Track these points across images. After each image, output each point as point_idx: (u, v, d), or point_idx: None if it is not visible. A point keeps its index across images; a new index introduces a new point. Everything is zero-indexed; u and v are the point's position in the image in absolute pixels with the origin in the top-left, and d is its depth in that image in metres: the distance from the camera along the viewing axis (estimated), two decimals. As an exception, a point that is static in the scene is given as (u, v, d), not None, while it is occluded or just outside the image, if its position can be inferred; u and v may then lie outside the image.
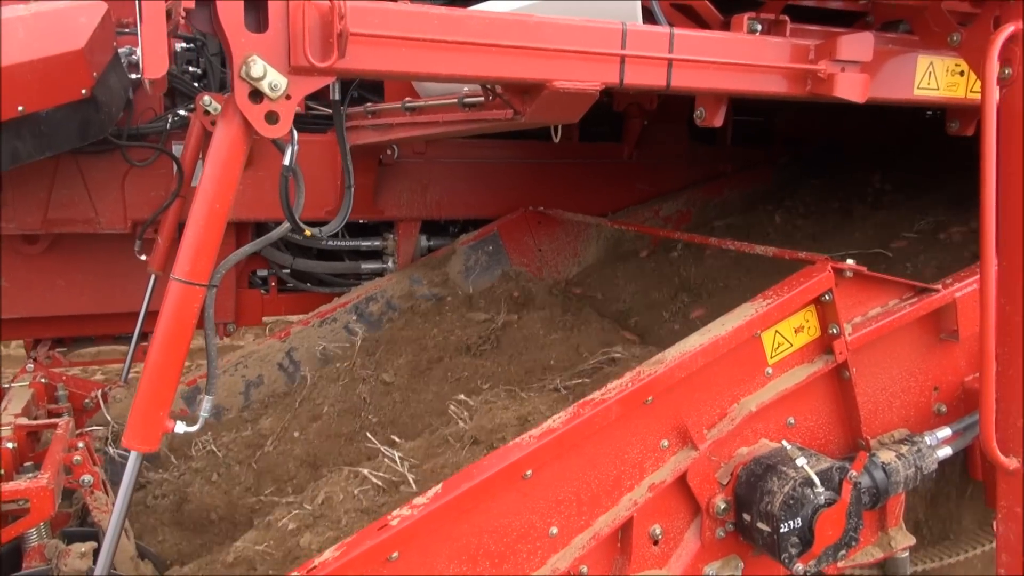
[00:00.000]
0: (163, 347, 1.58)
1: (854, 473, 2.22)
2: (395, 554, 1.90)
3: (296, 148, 1.66)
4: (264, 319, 4.45)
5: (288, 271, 4.27)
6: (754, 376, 2.38)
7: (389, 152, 4.04)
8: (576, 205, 4.47)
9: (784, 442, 2.28)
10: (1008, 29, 2.03)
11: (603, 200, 4.67)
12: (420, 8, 1.63)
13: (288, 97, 1.56)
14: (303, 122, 3.95)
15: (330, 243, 4.29)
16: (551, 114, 1.96)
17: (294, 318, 4.11)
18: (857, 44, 2.06)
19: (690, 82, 1.98)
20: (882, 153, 4.75)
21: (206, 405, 1.67)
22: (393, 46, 1.61)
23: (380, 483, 2.38)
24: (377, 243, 4.35)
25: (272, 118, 1.56)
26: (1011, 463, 2.10)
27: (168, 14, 1.46)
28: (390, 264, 4.35)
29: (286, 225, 1.72)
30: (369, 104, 3.27)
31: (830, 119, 5.16)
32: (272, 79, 1.53)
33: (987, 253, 2.05)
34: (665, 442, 2.28)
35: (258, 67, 1.51)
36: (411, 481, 2.41)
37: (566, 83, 1.82)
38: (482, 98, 2.13)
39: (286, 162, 1.64)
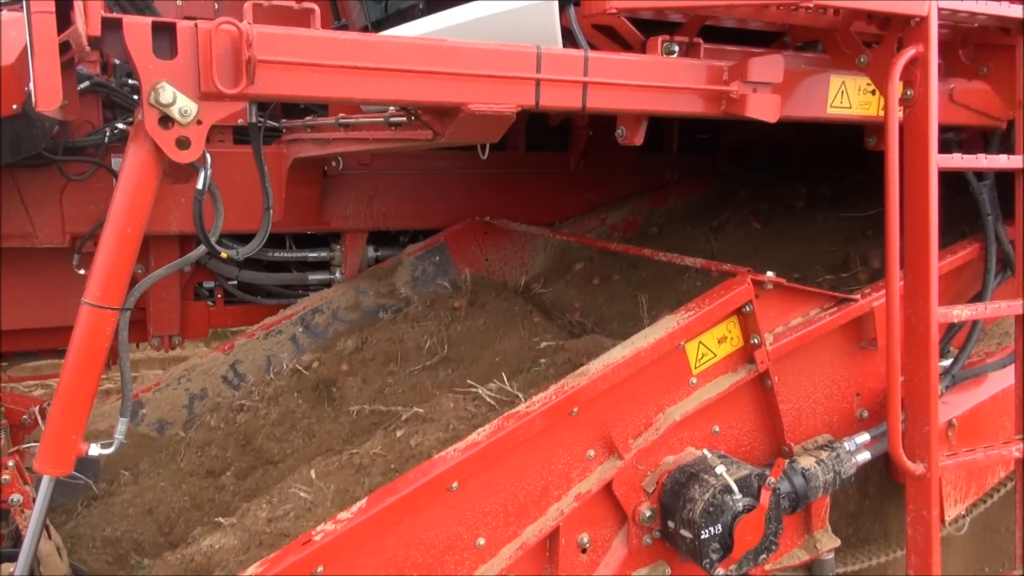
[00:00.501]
0: (75, 370, 1.59)
1: (772, 480, 2.30)
2: (320, 568, 1.92)
3: (210, 172, 1.68)
4: (211, 331, 4.43)
5: (234, 283, 4.26)
6: (679, 386, 2.45)
7: (334, 164, 4.05)
8: (524, 215, 4.52)
9: (705, 451, 2.35)
10: (909, 52, 2.12)
11: (551, 209, 4.72)
12: (331, 35, 1.66)
13: (199, 122, 1.59)
14: (247, 135, 3.95)
15: (276, 255, 4.29)
16: (470, 134, 2.00)
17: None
18: (767, 66, 2.14)
19: (606, 103, 2.03)
20: (826, 160, 4.87)
21: (120, 427, 1.69)
22: (304, 72, 1.64)
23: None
24: (324, 254, 4.35)
25: (183, 143, 1.58)
26: (917, 468, 2.19)
27: (65, 45, 1.48)
28: (337, 275, 4.36)
29: (201, 249, 1.73)
30: (309, 119, 3.28)
31: (774, 128, 5.27)
32: (182, 105, 1.55)
33: (891, 266, 2.14)
34: (591, 452, 2.33)
35: (167, 93, 1.53)
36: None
37: (482, 106, 1.86)
38: (405, 118, 2.17)
39: (199, 186, 1.66)
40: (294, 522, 2.44)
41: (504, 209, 4.50)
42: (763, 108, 2.15)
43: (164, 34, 1.55)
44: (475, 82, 1.84)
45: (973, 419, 2.77)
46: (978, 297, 2.87)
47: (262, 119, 3.96)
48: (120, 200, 1.58)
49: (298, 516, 2.46)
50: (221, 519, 2.62)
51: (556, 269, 4.48)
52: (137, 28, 1.52)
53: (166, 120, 1.56)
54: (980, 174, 2.85)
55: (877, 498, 3.15)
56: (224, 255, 1.75)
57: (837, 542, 2.72)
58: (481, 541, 2.18)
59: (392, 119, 2.25)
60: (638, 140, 2.27)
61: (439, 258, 4.33)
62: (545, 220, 4.64)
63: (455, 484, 2.10)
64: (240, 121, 3.88)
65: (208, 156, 1.66)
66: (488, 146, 2.46)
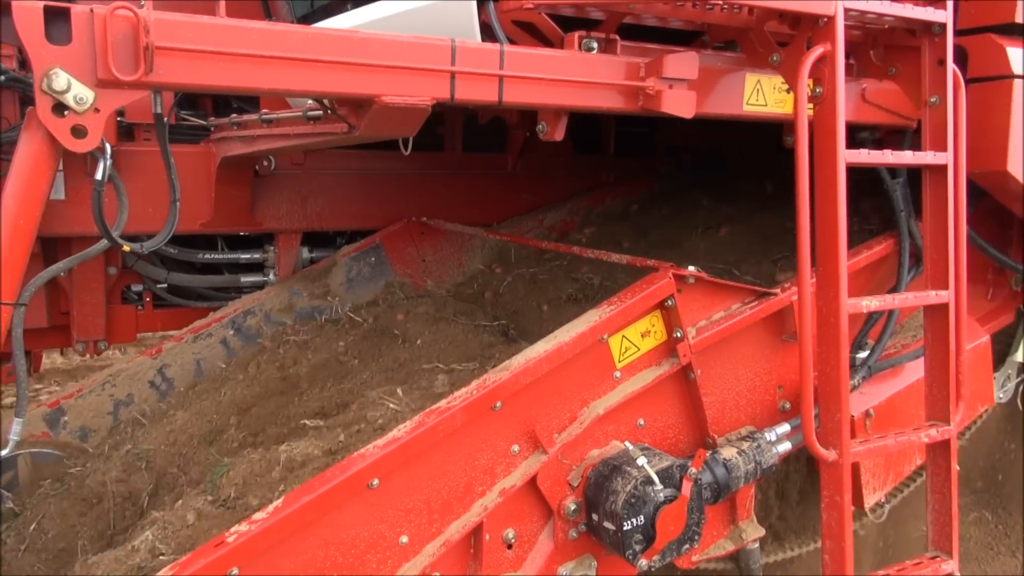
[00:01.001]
0: (-36, 368, 1.53)
1: (694, 470, 2.33)
2: (234, 570, 1.88)
3: (109, 162, 1.64)
4: (139, 336, 4.31)
5: (164, 286, 4.16)
6: (603, 380, 2.47)
7: (265, 163, 3.99)
8: (462, 215, 4.52)
9: (627, 443, 2.37)
10: (817, 51, 2.18)
11: (488, 210, 4.73)
12: (234, 22, 1.64)
13: (97, 110, 1.54)
14: (173, 133, 3.87)
15: (207, 256, 4.20)
16: (385, 128, 1.99)
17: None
18: (682, 62, 2.18)
19: (523, 98, 2.04)
20: (762, 159, 4.97)
21: (16, 428, 1.62)
22: (207, 60, 1.61)
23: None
24: (257, 255, 4.28)
25: (79, 132, 1.54)
26: (830, 455, 2.24)
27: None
28: (271, 277, 4.29)
29: (103, 242, 1.68)
30: (234, 116, 3.22)
31: (710, 128, 5.37)
32: (77, 92, 1.51)
33: (803, 260, 2.20)
34: (515, 447, 2.33)
35: (61, 80, 1.49)
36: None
37: (395, 98, 1.86)
38: (321, 112, 2.15)
39: (98, 176, 1.61)
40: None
41: (441, 210, 4.50)
42: (679, 104, 2.18)
43: (59, 19, 1.51)
44: (388, 74, 1.84)
45: (889, 408, 2.86)
46: (893, 291, 2.97)
47: (191, 115, 3.94)
48: (12, 190, 1.53)
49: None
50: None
51: (493, 270, 4.49)
52: (28, 12, 1.48)
53: (60, 108, 1.51)
54: (894, 172, 2.94)
55: (802, 489, 3.23)
56: (127, 248, 1.70)
57: (762, 532, 2.77)
58: (404, 539, 2.16)
59: (309, 113, 2.22)
60: (558, 135, 2.28)
61: (375, 259, 4.30)
62: (483, 221, 4.64)
63: (375, 481, 2.08)
64: (166, 119, 3.82)
65: (108, 146, 1.62)
66: (411, 142, 2.45)
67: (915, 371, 2.94)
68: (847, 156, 2.20)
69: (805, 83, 2.17)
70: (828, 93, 2.19)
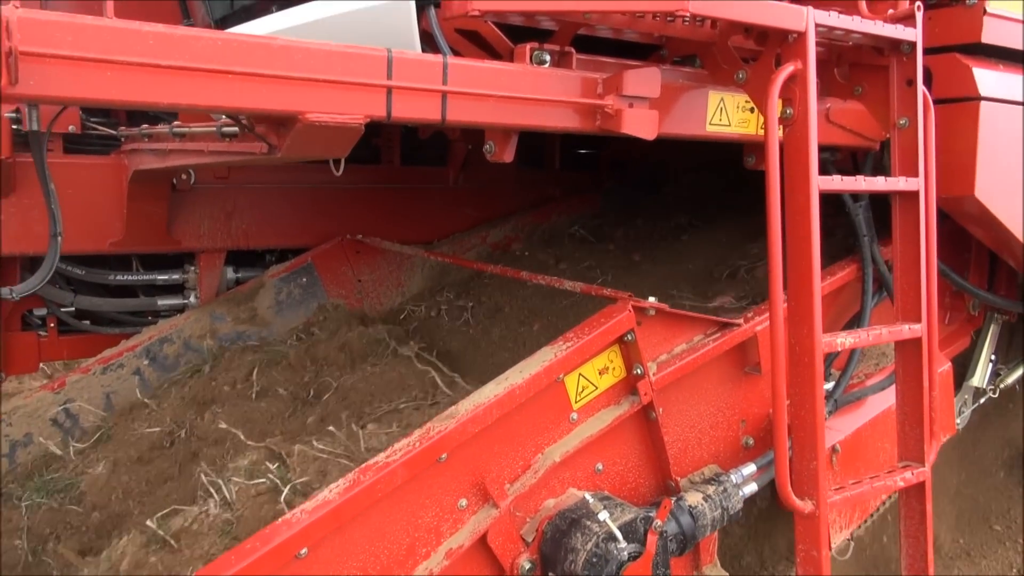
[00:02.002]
0: None
1: (659, 523, 2.13)
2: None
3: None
4: (42, 365, 3.91)
5: (70, 310, 3.77)
6: (558, 423, 2.25)
7: (184, 177, 3.65)
8: (401, 232, 4.26)
9: (587, 494, 2.16)
10: (788, 69, 2.02)
11: (429, 226, 4.48)
12: (127, 25, 1.36)
13: (-51, 129, 1.24)
14: (80, 143, 3.51)
15: (120, 278, 3.83)
16: (311, 149, 1.74)
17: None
18: (643, 79, 1.98)
19: (468, 116, 1.82)
20: (710, 175, 4.86)
21: None
22: (92, 69, 1.33)
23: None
24: (176, 276, 3.93)
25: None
26: (806, 506, 2.08)
27: None
28: (192, 299, 3.95)
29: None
30: (145, 126, 2.90)
31: (658, 146, 5.23)
32: (-78, 107, 1.21)
33: (775, 290, 2.02)
34: (463, 502, 2.10)
35: (-99, 92, 1.19)
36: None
37: (322, 116, 1.60)
38: (237, 129, 1.88)
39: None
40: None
41: (379, 227, 4.22)
42: (640, 124, 1.99)
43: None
44: (314, 88, 1.58)
45: (855, 443, 2.73)
46: (856, 318, 2.84)
47: (96, 126, 3.58)
48: None
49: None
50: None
51: (434, 291, 4.24)
52: None
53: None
54: (856, 195, 2.82)
55: (765, 526, 3.08)
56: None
57: (726, 575, 2.59)
58: (337, 613, 1.90)
59: (224, 130, 1.94)
60: (507, 157, 2.06)
61: (306, 280, 4.00)
62: (423, 238, 4.39)
63: (304, 551, 1.81)
64: (71, 128, 3.46)
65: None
66: (343, 162, 2.19)
67: (878, 403, 2.82)
68: (820, 183, 2.04)
69: (776, 104, 2.00)
70: (799, 115, 2.02)
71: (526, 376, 2.09)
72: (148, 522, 2.36)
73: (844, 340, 2.12)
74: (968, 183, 2.57)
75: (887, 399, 2.80)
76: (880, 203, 2.91)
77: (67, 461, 3.09)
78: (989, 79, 2.58)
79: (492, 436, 2.10)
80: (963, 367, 3.50)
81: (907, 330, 2.27)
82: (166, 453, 2.95)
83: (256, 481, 2.37)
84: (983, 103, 2.54)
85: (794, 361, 2.07)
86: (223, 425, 2.83)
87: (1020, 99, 2.66)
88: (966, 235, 3.05)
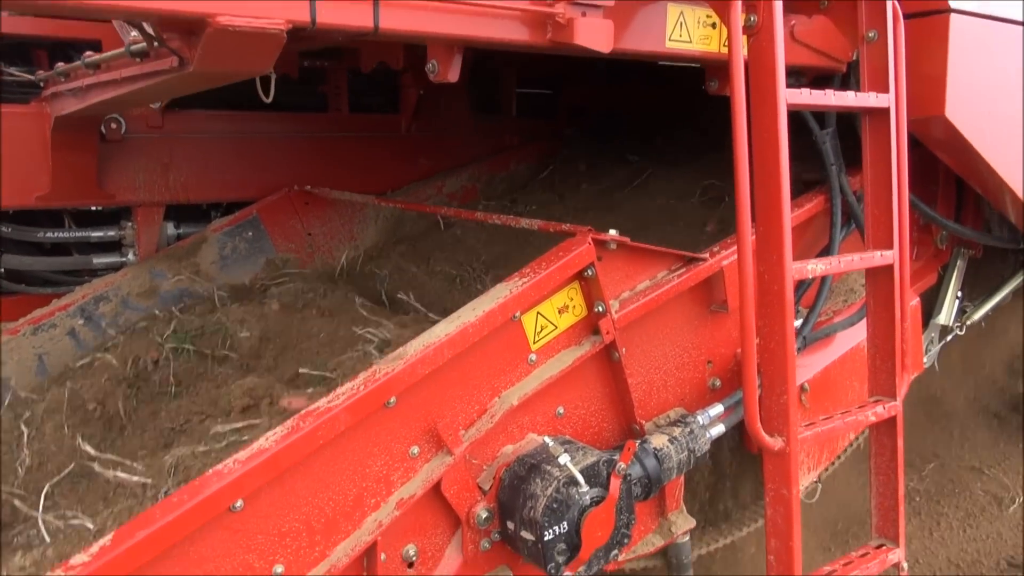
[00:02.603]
0: None
1: (622, 465, 2.02)
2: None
3: None
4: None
5: (-1, 271, 3.53)
6: (516, 364, 2.11)
7: (114, 126, 3.41)
8: (352, 183, 4.05)
9: (546, 438, 2.03)
10: (752, -29, 1.87)
11: (382, 177, 4.28)
12: None
13: None
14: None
15: (51, 235, 3.60)
16: (226, 62, 1.54)
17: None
18: (598, -16, 1.82)
19: (405, 24, 1.64)
20: (666, 121, 4.72)
21: None
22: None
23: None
24: (112, 233, 3.70)
25: None
26: (776, 443, 1.97)
27: None
28: (131, 257, 3.73)
29: None
30: (60, 65, 2.66)
31: (616, 89, 5.10)
32: None
33: (743, 219, 1.90)
34: (415, 449, 1.96)
35: None
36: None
37: (235, 20, 1.42)
38: (145, 45, 1.67)
39: None
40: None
41: (329, 178, 4.01)
42: (595, 35, 1.83)
43: None
44: (223, -16, 1.39)
45: (824, 382, 2.64)
46: (825, 251, 2.74)
47: (13, 73, 3.32)
48: None
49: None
50: None
51: (390, 243, 4.06)
52: None
53: None
54: (822, 122, 2.70)
55: (732, 471, 2.99)
56: None
57: (692, 523, 2.50)
58: (279, 569, 1.76)
59: (133, 48, 1.74)
60: (452, 76, 1.89)
61: (252, 234, 3.79)
62: (376, 189, 4.19)
63: (239, 503, 1.66)
64: (-21, 72, 3.20)
65: None
66: (272, 89, 2.00)
67: (847, 339, 2.73)
68: (788, 96, 1.90)
69: (739, 11, 1.85)
70: (764, 23, 1.88)
71: (479, 314, 1.94)
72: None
73: (815, 267, 2.01)
74: (938, 102, 2.46)
75: (856, 336, 2.72)
76: (847, 134, 2.81)
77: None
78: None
79: (444, 379, 1.96)
80: (928, 305, 3.44)
81: (879, 256, 2.16)
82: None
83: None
84: (953, 16, 2.42)
85: (763, 291, 1.96)
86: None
87: (994, 14, 2.54)
88: (933, 164, 2.96)
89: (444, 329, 1.91)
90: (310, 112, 4.16)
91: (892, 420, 2.23)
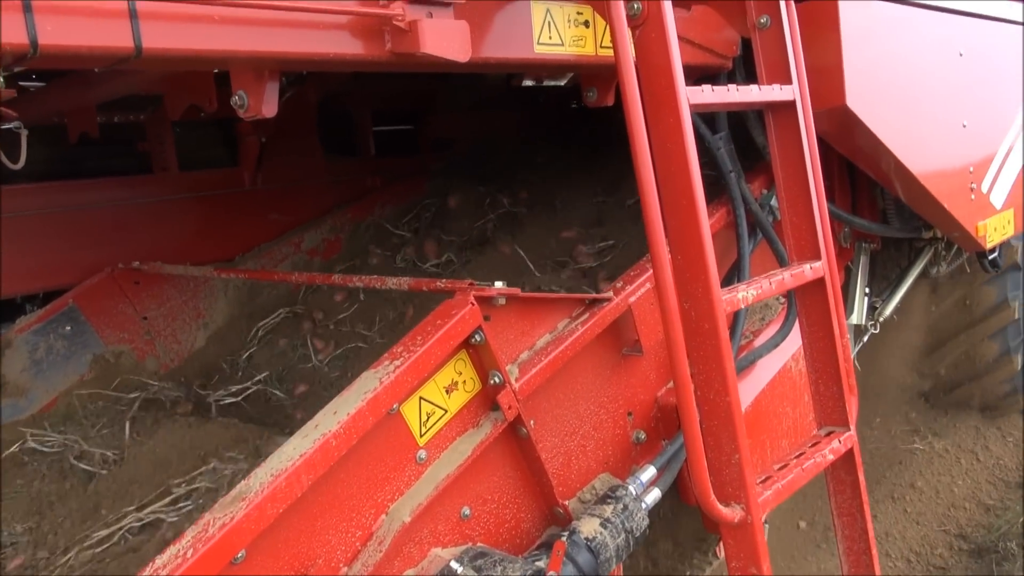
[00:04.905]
0: None
1: (552, 574, 1.59)
2: None
3: None
4: None
5: None
6: (402, 468, 1.65)
7: None
8: (193, 252, 3.48)
9: (453, 563, 1.58)
10: (627, -51, 1.52)
11: (227, 241, 3.71)
12: None
13: None
14: None
15: None
16: None
17: None
18: (441, -22, 1.42)
19: (179, 42, 1.17)
20: (541, 145, 4.40)
21: None
22: None
23: None
24: None
25: None
26: (735, 513, 1.61)
27: None
28: (-90, 379, 3.00)
29: None
30: None
31: (484, 117, 4.76)
32: None
33: (656, 240, 1.53)
34: (281, 608, 1.46)
35: None
36: None
37: None
38: None
39: None
40: None
41: (163, 249, 3.43)
42: (446, 42, 1.42)
43: None
44: None
45: (756, 414, 2.32)
46: (735, 269, 2.44)
47: None
48: None
49: None
50: None
51: (243, 317, 3.50)
52: None
53: None
54: (712, 126, 2.42)
55: (668, 520, 2.63)
56: None
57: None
58: None
59: None
60: (267, 110, 1.44)
61: (71, 328, 3.15)
62: (223, 255, 3.63)
63: None
64: None
65: None
66: (24, 153, 1.47)
67: (772, 362, 2.44)
68: (689, 95, 1.56)
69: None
70: (652, 11, 1.54)
71: (343, 418, 1.47)
72: None
73: (746, 294, 1.67)
74: (838, 92, 2.22)
75: (780, 357, 2.43)
76: (738, 136, 2.55)
77: None
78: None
79: (309, 510, 1.48)
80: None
81: (809, 270, 1.86)
82: None
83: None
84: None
85: (691, 331, 1.59)
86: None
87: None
88: (827, 158, 2.73)
89: (298, 447, 1.43)
90: (131, 175, 3.57)
91: (850, 453, 1.93)
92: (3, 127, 1.55)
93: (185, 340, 3.42)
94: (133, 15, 1.12)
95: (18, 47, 1.03)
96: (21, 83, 2.92)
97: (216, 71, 1.81)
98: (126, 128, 3.61)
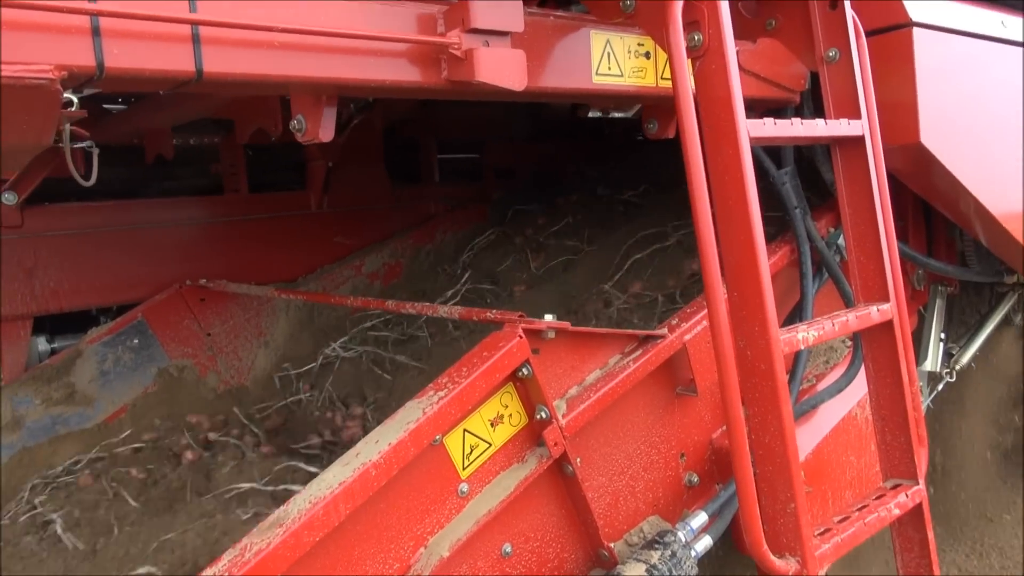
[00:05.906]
0: None
1: (594, 624, 1.54)
2: None
3: None
4: None
5: None
6: (444, 501, 1.63)
7: (-41, 228, 2.88)
8: (258, 271, 3.58)
9: (491, 603, 1.54)
10: (689, -19, 1.49)
11: (291, 262, 3.80)
12: None
13: None
14: None
15: None
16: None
17: None
18: (498, 9, 1.41)
19: (242, 66, 1.20)
20: (599, 173, 4.37)
21: None
22: None
23: None
24: (-33, 357, 3.12)
25: None
26: (788, 565, 1.52)
27: None
28: (-9, 383, 3.13)
29: None
30: None
31: (543, 147, 4.77)
32: None
33: (712, 279, 1.48)
34: (315, 639, 1.44)
35: None
36: None
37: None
38: None
39: None
40: None
41: (230, 268, 3.53)
42: (503, 71, 1.42)
43: None
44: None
45: (817, 463, 2.21)
46: (797, 310, 2.35)
47: None
48: None
49: None
50: None
51: (305, 339, 3.56)
52: None
53: None
54: (778, 161, 2.35)
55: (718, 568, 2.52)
56: None
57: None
58: None
59: None
60: (323, 135, 1.46)
61: (139, 341, 3.25)
62: (286, 275, 3.72)
63: None
64: None
65: None
66: (96, 171, 1.53)
67: (836, 407, 2.33)
68: (750, 128, 1.51)
69: (680, 30, 1.47)
70: (713, 42, 1.50)
71: (384, 448, 1.46)
72: None
73: (807, 334, 1.59)
74: (912, 128, 2.12)
75: (845, 403, 2.32)
76: (805, 172, 2.47)
77: None
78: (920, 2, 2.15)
79: (346, 539, 1.46)
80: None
81: (876, 312, 1.77)
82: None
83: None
84: (916, 30, 2.11)
85: (747, 371, 1.53)
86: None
87: (960, 27, 2.24)
88: (899, 196, 2.62)
89: (338, 475, 1.42)
90: (203, 195, 3.69)
91: (918, 508, 1.81)
92: (76, 146, 1.62)
93: (245, 357, 3.49)
94: (196, 40, 1.15)
95: (85, 69, 1.07)
96: (104, 106, 3.07)
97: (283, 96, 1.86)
98: (202, 150, 3.74)
